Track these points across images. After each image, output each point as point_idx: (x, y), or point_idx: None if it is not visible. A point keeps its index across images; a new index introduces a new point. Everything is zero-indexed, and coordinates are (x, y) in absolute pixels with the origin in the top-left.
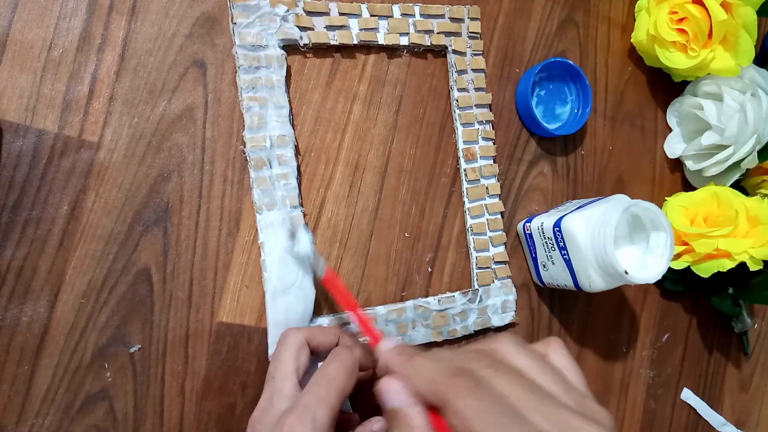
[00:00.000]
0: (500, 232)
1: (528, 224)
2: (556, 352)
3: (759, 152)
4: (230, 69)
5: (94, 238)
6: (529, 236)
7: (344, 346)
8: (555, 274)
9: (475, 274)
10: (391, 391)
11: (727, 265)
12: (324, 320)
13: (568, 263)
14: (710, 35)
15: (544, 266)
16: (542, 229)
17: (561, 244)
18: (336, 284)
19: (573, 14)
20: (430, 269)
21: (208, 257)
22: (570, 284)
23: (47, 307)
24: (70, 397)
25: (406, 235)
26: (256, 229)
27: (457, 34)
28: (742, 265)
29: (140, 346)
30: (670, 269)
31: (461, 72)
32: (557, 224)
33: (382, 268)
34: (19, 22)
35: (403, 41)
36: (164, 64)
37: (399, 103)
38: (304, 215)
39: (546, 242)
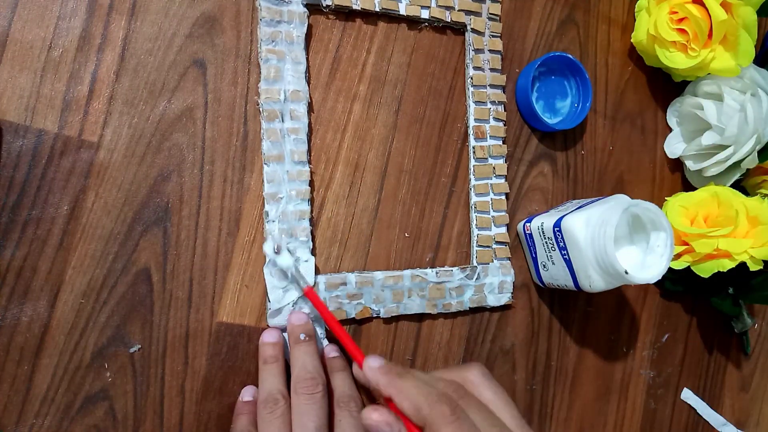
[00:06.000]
0: (503, 213)
1: (528, 224)
2: (485, 385)
3: (759, 152)
4: (230, 69)
5: (93, 238)
6: (529, 236)
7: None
8: (555, 274)
9: (474, 252)
10: (379, 423)
11: (727, 265)
12: (322, 278)
13: (568, 263)
14: (710, 35)
15: (544, 266)
16: (542, 229)
17: (561, 244)
18: (317, 302)
19: (573, 14)
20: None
21: (208, 257)
22: (570, 284)
23: (47, 307)
24: (70, 397)
25: (406, 235)
26: (257, 229)
27: (477, 14)
28: (742, 265)
29: (140, 346)
30: (670, 269)
31: (478, 51)
32: (557, 224)
33: (382, 268)
34: (19, 22)
35: (424, 14)
36: (164, 64)
37: (399, 103)
38: (312, 173)
39: (546, 242)
